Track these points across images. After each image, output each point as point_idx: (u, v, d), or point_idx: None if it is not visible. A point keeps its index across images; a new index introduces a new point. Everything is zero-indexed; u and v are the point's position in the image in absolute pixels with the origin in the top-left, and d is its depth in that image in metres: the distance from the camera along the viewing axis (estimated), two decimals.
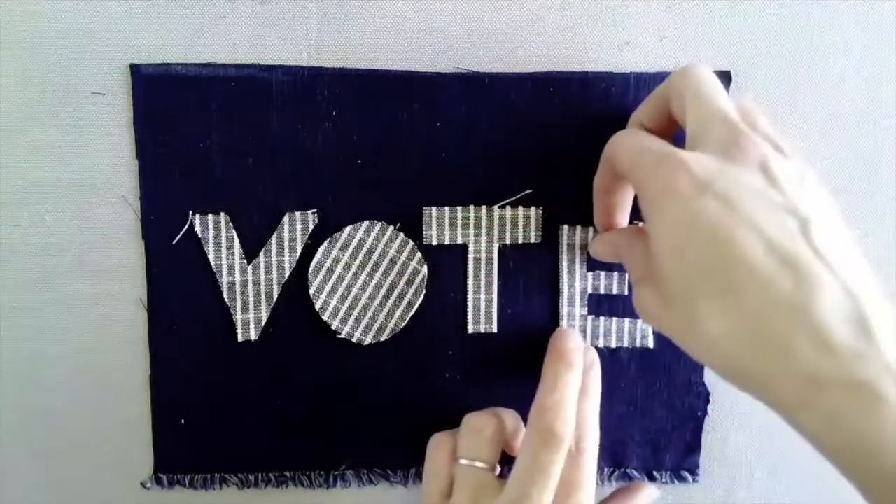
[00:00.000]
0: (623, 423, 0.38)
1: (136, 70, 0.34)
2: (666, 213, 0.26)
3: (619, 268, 0.37)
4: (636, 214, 0.35)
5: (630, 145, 0.30)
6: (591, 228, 0.36)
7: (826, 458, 0.25)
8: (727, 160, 0.26)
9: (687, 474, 0.39)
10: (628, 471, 0.38)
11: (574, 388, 0.32)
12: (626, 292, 0.37)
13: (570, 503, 0.30)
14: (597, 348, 0.37)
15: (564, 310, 0.37)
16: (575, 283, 0.37)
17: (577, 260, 0.36)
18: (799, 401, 0.24)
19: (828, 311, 0.24)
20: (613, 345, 0.37)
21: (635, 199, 0.34)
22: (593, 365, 0.35)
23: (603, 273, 0.37)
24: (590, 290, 0.37)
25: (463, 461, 0.33)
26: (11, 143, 0.35)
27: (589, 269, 0.37)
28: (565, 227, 0.36)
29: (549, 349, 0.33)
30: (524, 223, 0.36)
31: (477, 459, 0.32)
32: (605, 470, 0.38)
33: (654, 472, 0.39)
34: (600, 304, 0.37)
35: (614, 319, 0.37)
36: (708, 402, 0.38)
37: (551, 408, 0.31)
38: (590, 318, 0.37)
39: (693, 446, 0.39)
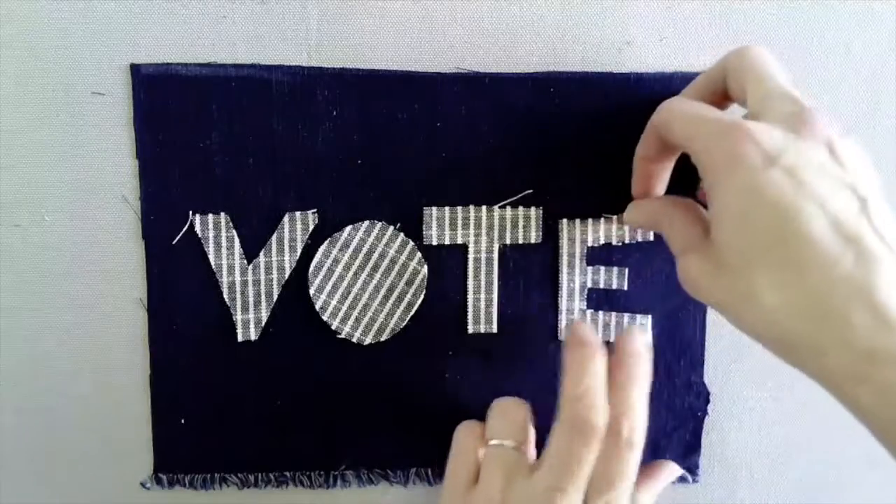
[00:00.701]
0: None
1: (136, 70, 0.34)
2: (732, 182, 0.27)
3: (619, 262, 0.37)
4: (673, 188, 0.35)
5: (688, 114, 0.30)
6: (590, 221, 0.36)
7: (875, 434, 0.25)
8: (794, 134, 0.26)
9: (687, 474, 0.39)
10: None
11: (602, 376, 0.31)
12: (626, 287, 0.37)
13: (607, 497, 0.30)
14: None
15: (564, 304, 0.37)
16: (575, 278, 0.37)
17: (577, 254, 0.36)
18: (854, 374, 0.25)
19: (887, 288, 0.24)
20: (612, 339, 0.37)
21: (678, 169, 0.34)
22: (642, 352, 0.33)
23: (603, 268, 0.37)
24: (589, 285, 0.37)
25: (493, 441, 0.32)
26: (11, 143, 0.35)
27: (589, 264, 0.37)
28: (565, 220, 0.36)
29: (567, 341, 0.32)
30: (524, 223, 0.36)
31: (507, 439, 0.32)
32: None
33: None
34: (600, 299, 0.37)
35: (613, 314, 0.37)
36: (708, 402, 0.38)
37: (582, 397, 0.30)
38: (589, 312, 0.37)
39: (693, 446, 0.39)
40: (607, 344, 0.37)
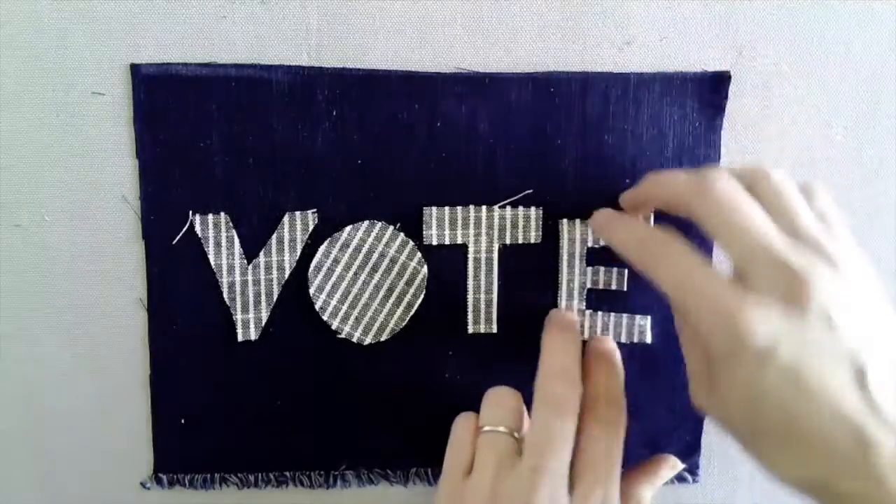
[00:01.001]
0: None
1: (136, 70, 0.34)
2: (734, 373, 0.27)
3: (619, 263, 0.37)
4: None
5: (679, 276, 0.29)
6: (590, 222, 0.36)
7: None
8: (788, 309, 0.27)
9: (687, 474, 0.39)
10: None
11: (575, 354, 0.32)
12: (625, 288, 0.37)
13: (592, 477, 0.30)
14: None
15: (563, 304, 0.37)
16: (574, 278, 0.37)
17: (577, 254, 0.36)
18: None
19: (884, 464, 0.26)
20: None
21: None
22: (614, 349, 0.35)
23: (602, 268, 0.37)
24: (589, 285, 0.37)
25: (486, 428, 0.32)
26: (11, 143, 0.35)
27: (588, 264, 0.37)
28: (565, 220, 0.36)
29: (547, 325, 0.34)
30: (524, 223, 0.36)
31: (500, 425, 0.32)
32: None
33: None
34: (599, 299, 0.37)
35: (612, 314, 0.37)
36: None
37: (557, 374, 0.31)
38: (588, 312, 0.37)
39: (693, 446, 0.39)
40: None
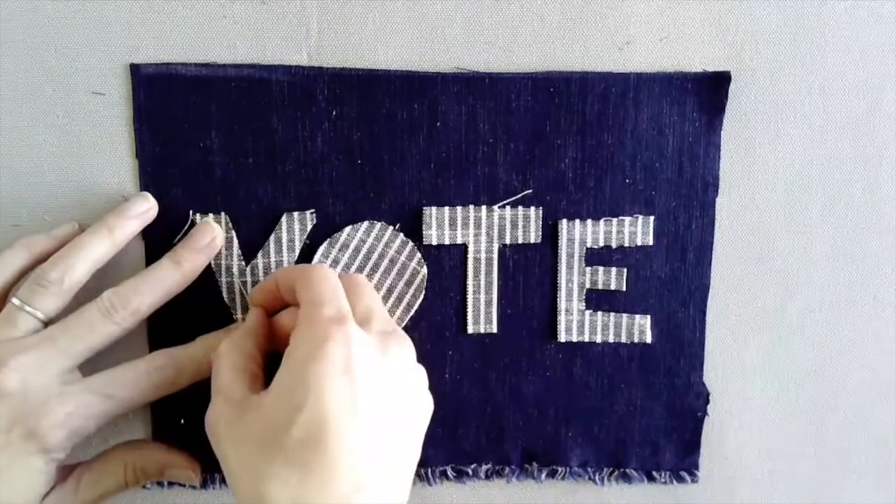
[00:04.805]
0: (623, 423, 0.38)
1: (136, 70, 0.34)
2: None
3: (619, 263, 0.37)
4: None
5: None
6: (589, 222, 0.36)
7: None
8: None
9: (686, 474, 0.39)
10: (628, 471, 0.38)
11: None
12: (625, 288, 0.37)
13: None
14: (596, 344, 0.37)
15: (563, 304, 0.37)
16: (573, 278, 0.37)
17: (577, 255, 0.36)
18: None
19: None
20: (611, 339, 0.37)
21: None
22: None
23: (602, 268, 0.37)
24: (588, 285, 0.37)
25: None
26: (11, 143, 0.35)
27: (588, 264, 0.37)
28: (564, 220, 0.36)
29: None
30: (524, 223, 0.36)
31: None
32: (605, 470, 0.38)
33: (654, 473, 0.39)
34: (599, 300, 0.37)
35: (612, 314, 0.37)
36: (708, 402, 0.38)
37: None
38: (587, 312, 0.37)
39: (693, 446, 0.39)
40: (605, 347, 0.37)
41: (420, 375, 0.32)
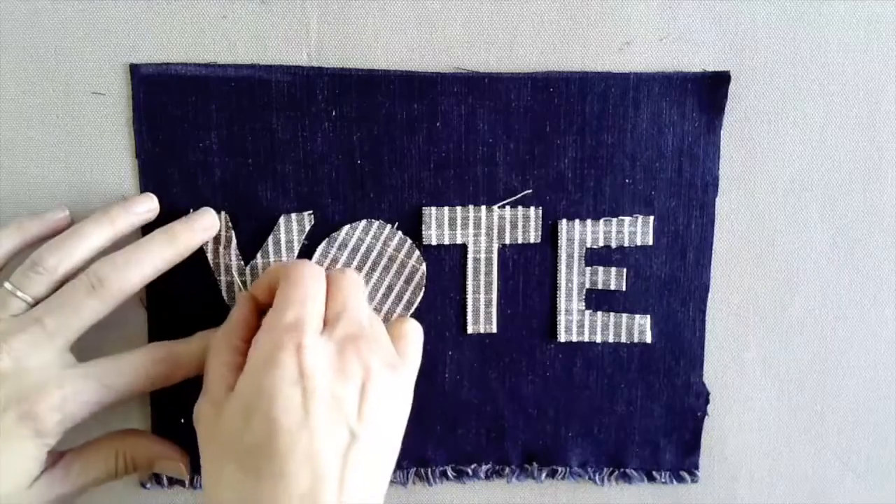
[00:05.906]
0: (623, 423, 0.38)
1: (135, 70, 0.34)
2: None
3: (618, 263, 0.37)
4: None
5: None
6: (589, 222, 0.36)
7: None
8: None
9: (686, 474, 0.39)
10: (628, 471, 0.38)
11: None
12: (625, 288, 0.37)
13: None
14: (596, 344, 0.37)
15: (562, 304, 0.37)
16: (573, 278, 0.37)
17: (576, 255, 0.36)
18: None
19: None
20: (611, 339, 0.37)
21: None
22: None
23: (601, 268, 0.37)
24: (588, 285, 0.37)
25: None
26: (11, 143, 0.35)
27: (587, 264, 0.37)
28: (564, 221, 0.36)
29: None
30: (524, 223, 0.36)
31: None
32: (605, 470, 0.38)
33: (654, 472, 0.39)
34: (599, 300, 0.37)
35: (612, 314, 0.37)
36: (707, 402, 0.38)
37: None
38: (587, 312, 0.37)
39: (693, 446, 0.39)
40: (605, 347, 0.37)
41: (395, 372, 0.31)
